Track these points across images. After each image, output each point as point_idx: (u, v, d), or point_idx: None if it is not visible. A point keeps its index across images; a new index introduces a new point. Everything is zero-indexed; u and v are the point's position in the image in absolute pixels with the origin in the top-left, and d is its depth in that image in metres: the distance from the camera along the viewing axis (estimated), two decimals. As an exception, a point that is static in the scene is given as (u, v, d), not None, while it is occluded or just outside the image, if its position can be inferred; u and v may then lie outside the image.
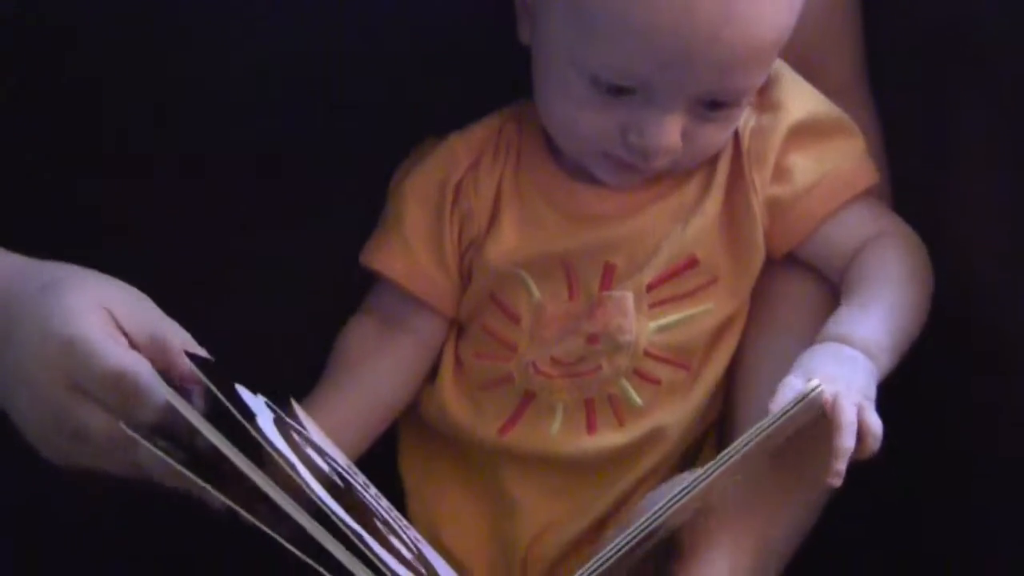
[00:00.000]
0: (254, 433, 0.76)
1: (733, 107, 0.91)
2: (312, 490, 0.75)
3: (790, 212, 0.96)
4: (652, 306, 0.94)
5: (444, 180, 0.97)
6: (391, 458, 1.00)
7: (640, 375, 0.95)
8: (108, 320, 0.81)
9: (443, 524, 0.98)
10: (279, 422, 0.81)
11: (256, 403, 0.81)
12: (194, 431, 0.76)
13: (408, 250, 0.97)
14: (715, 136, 0.92)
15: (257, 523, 0.75)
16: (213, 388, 0.77)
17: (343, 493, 0.81)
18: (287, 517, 0.75)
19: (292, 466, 0.76)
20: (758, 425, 0.82)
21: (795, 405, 0.82)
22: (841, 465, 0.84)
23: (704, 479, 0.81)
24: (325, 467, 0.82)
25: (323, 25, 0.95)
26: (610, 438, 0.95)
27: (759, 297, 0.98)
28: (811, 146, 0.96)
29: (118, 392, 0.78)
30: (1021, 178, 0.96)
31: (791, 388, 0.85)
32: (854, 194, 0.97)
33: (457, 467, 0.99)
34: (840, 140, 0.97)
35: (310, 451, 0.82)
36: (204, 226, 0.97)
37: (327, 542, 0.75)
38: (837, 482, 0.84)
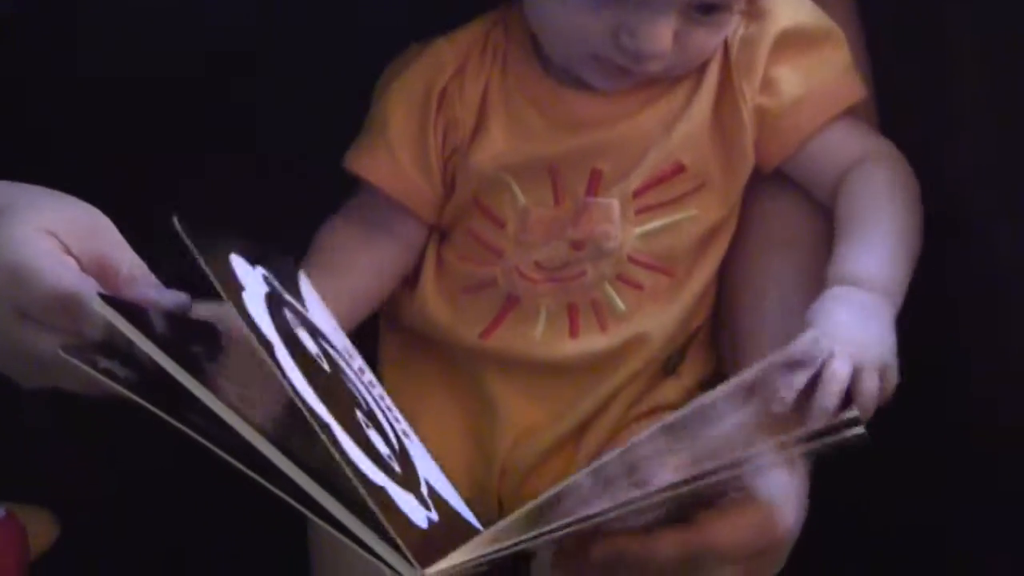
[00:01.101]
0: (233, 308, 0.75)
1: (725, 11, 0.91)
2: (285, 375, 0.74)
3: (776, 125, 0.95)
4: (638, 212, 0.94)
5: (430, 85, 0.96)
6: (371, 359, 0.99)
7: (624, 280, 0.95)
8: (55, 245, 0.80)
9: (422, 426, 0.96)
10: (271, 298, 0.81)
11: (251, 275, 0.80)
12: (131, 345, 0.76)
13: (392, 155, 0.96)
14: (707, 40, 0.92)
15: (196, 436, 0.74)
16: (199, 257, 0.77)
17: (326, 378, 0.80)
18: (231, 431, 0.74)
19: (269, 346, 0.75)
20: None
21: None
22: (815, 423, 0.82)
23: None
24: (314, 349, 0.81)
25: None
26: (592, 342, 0.95)
27: (749, 207, 0.98)
28: (797, 57, 0.96)
29: (63, 313, 0.78)
30: (1014, 93, 0.95)
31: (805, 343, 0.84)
32: (840, 109, 0.96)
33: (437, 368, 0.99)
34: (827, 51, 0.96)
35: (301, 331, 0.82)
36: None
37: (272, 455, 0.74)
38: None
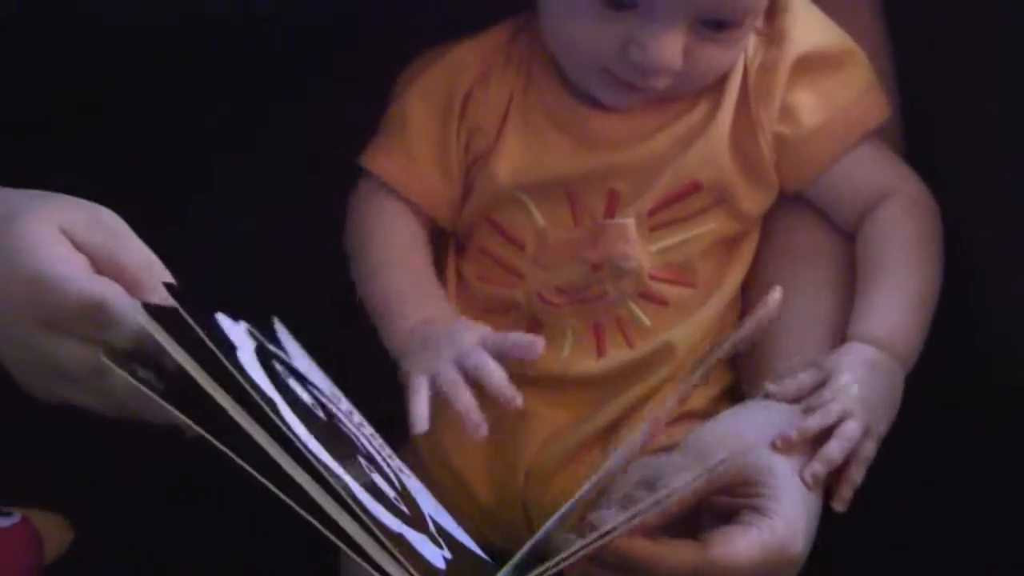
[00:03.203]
0: (233, 370, 0.74)
1: (736, 28, 0.90)
2: (292, 432, 0.74)
3: (796, 154, 0.95)
4: (652, 229, 0.94)
5: (452, 89, 0.95)
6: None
7: (646, 297, 0.94)
8: (71, 247, 0.78)
9: (443, 433, 0.96)
10: (261, 351, 0.80)
11: (237, 331, 0.79)
12: (163, 352, 0.75)
13: (409, 155, 0.96)
14: (718, 57, 0.91)
15: (224, 449, 0.73)
16: (191, 321, 0.75)
17: (325, 428, 0.79)
18: (257, 446, 0.74)
19: (272, 404, 0.74)
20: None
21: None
22: (819, 468, 0.86)
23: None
24: (307, 399, 0.81)
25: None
26: (619, 357, 0.95)
27: (772, 218, 0.97)
28: (817, 81, 0.95)
29: (91, 322, 0.76)
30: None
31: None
32: (860, 135, 0.95)
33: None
34: (847, 72, 0.95)
35: (292, 382, 0.81)
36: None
37: (297, 475, 0.73)
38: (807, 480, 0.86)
